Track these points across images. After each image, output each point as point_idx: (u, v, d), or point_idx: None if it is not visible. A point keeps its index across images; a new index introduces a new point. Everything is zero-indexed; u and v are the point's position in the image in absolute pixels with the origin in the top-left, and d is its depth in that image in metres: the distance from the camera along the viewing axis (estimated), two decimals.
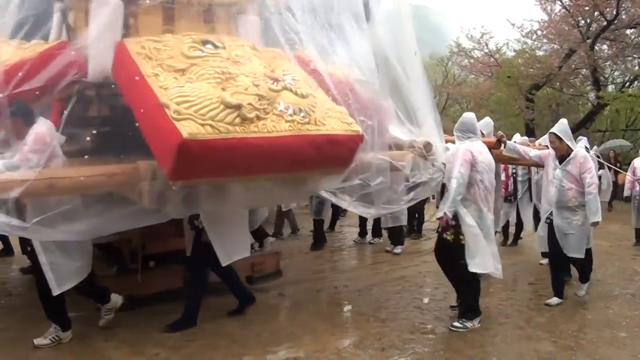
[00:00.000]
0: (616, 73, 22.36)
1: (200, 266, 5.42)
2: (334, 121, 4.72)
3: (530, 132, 18.51)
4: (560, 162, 6.19)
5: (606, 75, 21.76)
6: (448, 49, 26.37)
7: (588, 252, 6.59)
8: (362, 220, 10.04)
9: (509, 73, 19.67)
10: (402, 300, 6.38)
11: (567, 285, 6.62)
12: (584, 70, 19.70)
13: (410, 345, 5.01)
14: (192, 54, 4.62)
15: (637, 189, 10.00)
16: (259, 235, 7.88)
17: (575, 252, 6.12)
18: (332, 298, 6.69)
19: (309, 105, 4.62)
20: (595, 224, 6.06)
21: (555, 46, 19.86)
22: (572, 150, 6.18)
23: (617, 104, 18.49)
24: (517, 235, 9.73)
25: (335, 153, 4.69)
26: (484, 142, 5.94)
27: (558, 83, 19.98)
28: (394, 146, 5.71)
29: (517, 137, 8.38)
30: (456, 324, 5.40)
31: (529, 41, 20.56)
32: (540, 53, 20.68)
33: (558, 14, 18.87)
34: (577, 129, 16.97)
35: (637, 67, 19.74)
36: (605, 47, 19.49)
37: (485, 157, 5.57)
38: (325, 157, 4.64)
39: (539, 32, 19.74)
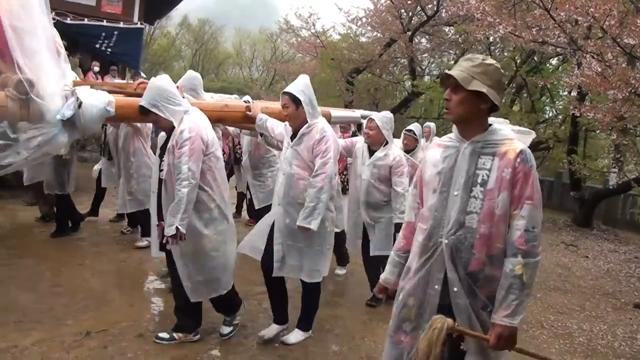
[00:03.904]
0: (433, 65, 23.55)
1: None
2: None
3: None
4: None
5: (423, 67, 22.82)
6: (277, 25, 26.32)
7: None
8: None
9: (332, 55, 19.97)
10: None
11: None
12: (403, 59, 20.49)
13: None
14: None
15: None
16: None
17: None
18: (136, 268, 6.43)
19: None
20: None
21: (378, 34, 20.41)
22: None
23: (431, 94, 19.44)
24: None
25: None
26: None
27: (378, 69, 20.58)
28: None
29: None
30: (163, 335, 4.52)
31: (354, 27, 20.97)
32: (363, 39, 21.20)
33: (383, 4, 19.33)
34: (392, 114, 17.62)
35: (452, 62, 20.84)
36: (424, 40, 20.39)
37: None
38: None
39: (364, 20, 20.15)
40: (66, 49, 12.36)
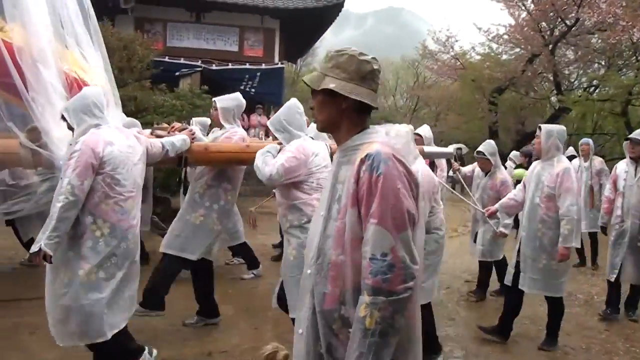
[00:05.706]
0: (584, 78, 22.36)
1: None
2: None
3: (493, 135, 18.56)
4: None
5: (572, 80, 21.80)
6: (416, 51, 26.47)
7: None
8: None
9: (472, 76, 19.68)
10: None
11: None
12: (549, 74, 19.72)
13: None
14: None
15: (619, 212, 6.10)
16: None
17: None
18: (252, 295, 6.64)
19: None
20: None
21: (520, 50, 19.90)
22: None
23: (580, 108, 18.48)
24: None
25: None
26: None
27: (522, 87, 19.99)
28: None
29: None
30: None
31: (494, 45, 20.60)
32: (504, 57, 20.77)
33: (524, 18, 18.95)
34: None
35: (601, 72, 19.73)
36: (569, 52, 19.60)
37: None
38: None
39: (505, 37, 19.78)
40: (210, 93, 13.19)
